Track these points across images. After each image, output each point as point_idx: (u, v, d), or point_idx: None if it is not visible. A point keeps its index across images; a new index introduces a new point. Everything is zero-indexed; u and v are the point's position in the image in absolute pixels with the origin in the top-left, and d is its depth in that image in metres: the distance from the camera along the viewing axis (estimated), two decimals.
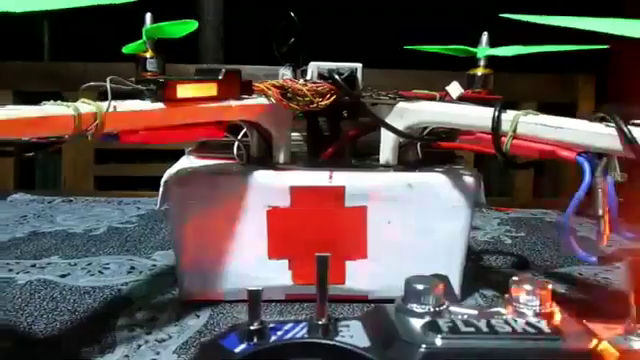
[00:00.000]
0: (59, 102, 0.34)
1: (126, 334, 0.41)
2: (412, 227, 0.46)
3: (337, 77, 0.46)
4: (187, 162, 0.49)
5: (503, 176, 1.21)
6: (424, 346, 0.22)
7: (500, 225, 0.74)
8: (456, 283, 0.47)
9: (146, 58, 0.46)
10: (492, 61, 0.51)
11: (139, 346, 0.40)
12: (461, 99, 0.48)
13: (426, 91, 0.48)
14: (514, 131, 0.39)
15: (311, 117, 0.50)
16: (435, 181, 0.47)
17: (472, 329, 0.23)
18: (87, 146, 1.07)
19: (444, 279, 0.30)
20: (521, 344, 0.22)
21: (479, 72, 0.51)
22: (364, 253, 0.47)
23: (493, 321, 0.24)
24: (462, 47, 0.52)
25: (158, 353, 0.39)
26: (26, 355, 0.39)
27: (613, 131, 0.35)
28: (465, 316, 0.25)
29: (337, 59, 0.48)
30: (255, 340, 0.24)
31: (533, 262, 0.60)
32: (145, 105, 0.38)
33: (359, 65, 0.48)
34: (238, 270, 0.46)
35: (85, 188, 1.04)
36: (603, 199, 0.34)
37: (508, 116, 0.40)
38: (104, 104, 0.35)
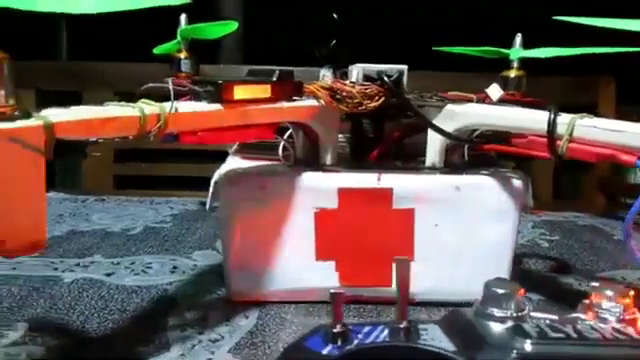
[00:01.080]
0: (123, 103, 0.35)
1: (178, 334, 0.41)
2: (459, 230, 0.46)
3: (386, 79, 0.46)
4: (234, 163, 0.49)
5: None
6: (515, 351, 0.22)
7: (534, 228, 0.73)
8: None
9: (180, 59, 0.46)
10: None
11: (193, 346, 0.40)
12: (501, 101, 0.47)
13: (461, 93, 0.48)
14: (570, 134, 0.39)
15: (355, 119, 0.50)
16: (483, 184, 0.46)
17: (561, 335, 0.23)
18: (107, 146, 1.07)
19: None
20: (616, 351, 0.22)
21: (512, 74, 0.51)
22: (411, 255, 0.46)
23: (579, 327, 0.24)
24: (493, 49, 0.51)
25: (213, 353, 0.39)
26: (83, 353, 0.39)
27: None
28: (548, 321, 0.25)
29: (364, 60, 0.48)
30: (339, 342, 0.24)
31: (574, 266, 0.60)
32: (204, 106, 0.38)
33: (405, 67, 0.48)
34: (285, 271, 0.46)
35: (105, 187, 1.05)
36: None
37: (564, 119, 0.39)
38: (166, 105, 0.35)
